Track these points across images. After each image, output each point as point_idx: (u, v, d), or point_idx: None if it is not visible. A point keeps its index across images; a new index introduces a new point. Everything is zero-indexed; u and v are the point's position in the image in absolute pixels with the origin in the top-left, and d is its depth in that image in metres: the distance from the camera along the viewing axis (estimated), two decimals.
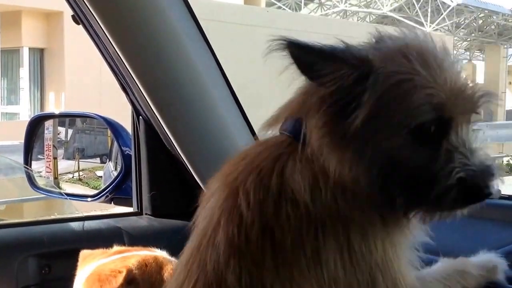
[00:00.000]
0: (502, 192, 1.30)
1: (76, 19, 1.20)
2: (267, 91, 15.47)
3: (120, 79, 1.30)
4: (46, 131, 1.64)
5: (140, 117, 1.36)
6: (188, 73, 1.26)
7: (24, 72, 12.91)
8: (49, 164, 1.65)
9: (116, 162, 1.55)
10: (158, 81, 1.25)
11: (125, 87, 1.31)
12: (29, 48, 12.79)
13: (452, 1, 22.22)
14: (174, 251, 1.39)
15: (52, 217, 1.34)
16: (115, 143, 1.49)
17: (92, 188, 1.60)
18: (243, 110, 1.39)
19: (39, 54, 12.99)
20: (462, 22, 24.36)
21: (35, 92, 13.22)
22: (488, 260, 0.98)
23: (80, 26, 1.27)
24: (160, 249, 1.37)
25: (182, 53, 1.24)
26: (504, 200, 1.29)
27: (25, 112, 12.94)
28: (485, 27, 25.81)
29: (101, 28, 1.15)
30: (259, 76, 15.25)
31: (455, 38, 25.26)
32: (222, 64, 1.34)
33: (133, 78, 1.24)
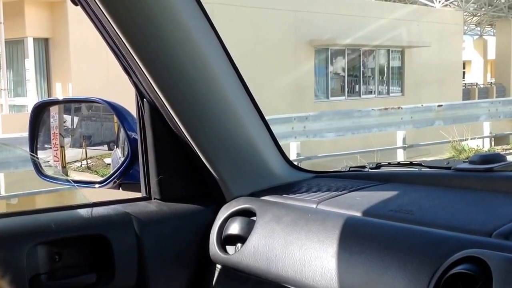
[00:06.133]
0: None
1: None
2: (270, 72, 15.39)
3: (122, 61, 1.28)
4: (52, 119, 1.63)
5: (145, 99, 1.34)
6: (191, 53, 1.24)
7: (29, 63, 12.93)
8: (57, 153, 1.64)
9: (124, 148, 1.53)
10: (161, 62, 1.23)
11: (128, 69, 1.29)
12: (34, 38, 12.79)
13: None
14: (184, 235, 1.38)
15: (60, 204, 1.32)
16: (121, 128, 1.47)
17: (101, 175, 1.59)
18: (249, 90, 1.38)
19: (44, 44, 12.99)
20: None
21: (41, 83, 13.25)
22: None
23: (84, 14, 1.24)
24: (170, 233, 1.37)
25: (185, 33, 1.22)
26: None
27: (32, 104, 12.98)
28: (495, 1, 25.51)
29: (100, 8, 1.13)
30: (264, 60, 15.15)
31: (465, 13, 25.00)
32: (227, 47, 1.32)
33: (135, 60, 1.22)
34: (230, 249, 1.33)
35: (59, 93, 12.78)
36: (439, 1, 23.46)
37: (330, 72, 18.44)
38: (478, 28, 32.11)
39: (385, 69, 20.01)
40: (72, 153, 1.65)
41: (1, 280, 1.15)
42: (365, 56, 19.58)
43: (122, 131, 1.48)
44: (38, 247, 1.21)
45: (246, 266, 1.25)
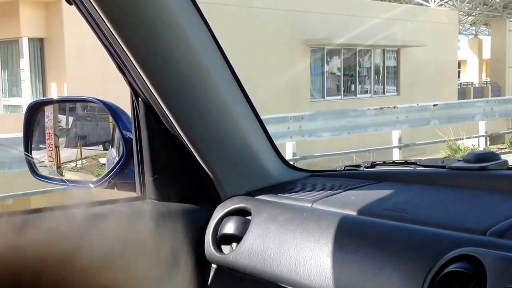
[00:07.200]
0: (510, 164, 1.29)
1: None
2: (265, 73, 15.39)
3: (116, 60, 1.28)
4: (46, 119, 1.63)
5: (139, 98, 1.34)
6: (186, 52, 1.24)
7: (24, 63, 12.90)
8: (51, 153, 1.64)
9: (119, 148, 1.53)
10: (156, 61, 1.23)
11: (122, 68, 1.29)
12: (29, 38, 12.76)
13: None
14: (180, 235, 1.38)
15: (54, 204, 1.32)
16: (116, 128, 1.47)
17: (96, 176, 1.59)
18: (244, 90, 1.38)
19: (38, 44, 12.96)
20: None
21: (36, 84, 13.22)
22: None
23: (79, 14, 1.24)
24: (166, 233, 1.36)
25: (180, 33, 1.22)
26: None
27: (27, 104, 12.93)
28: (490, 0, 25.56)
29: (94, 7, 1.13)
30: (259, 60, 15.16)
31: (460, 13, 25.04)
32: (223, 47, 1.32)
33: (130, 59, 1.22)
34: (225, 248, 1.33)
35: (54, 93, 12.74)
36: (434, 1, 23.52)
37: (326, 71, 18.46)
38: (473, 28, 32.19)
39: (381, 68, 20.05)
40: (67, 153, 1.65)
41: None
42: (361, 55, 19.61)
43: (117, 130, 1.48)
44: None
45: (242, 266, 1.25)
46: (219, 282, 1.34)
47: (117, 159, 1.51)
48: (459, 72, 27.09)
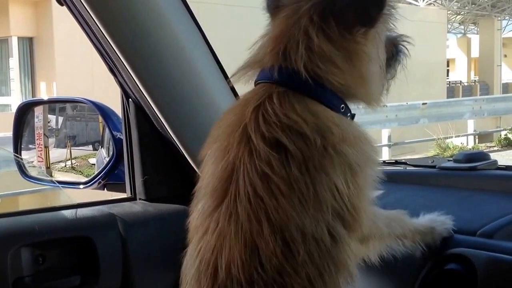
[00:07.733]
0: (499, 164, 1.30)
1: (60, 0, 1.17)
2: None
3: (107, 61, 1.27)
4: (36, 120, 1.62)
5: (130, 99, 1.33)
6: (177, 53, 1.23)
7: (13, 62, 12.81)
8: (41, 154, 1.63)
9: (109, 148, 1.53)
10: (146, 62, 1.22)
11: (113, 69, 1.29)
12: (18, 37, 12.68)
13: None
14: (170, 236, 1.38)
15: (43, 206, 1.31)
16: (106, 128, 1.47)
17: (86, 176, 1.58)
18: (234, 89, 1.37)
19: (28, 43, 12.89)
20: None
21: (26, 83, 13.14)
22: (429, 222, 1.01)
23: (69, 13, 1.24)
24: (156, 234, 1.36)
25: (170, 33, 1.22)
26: (501, 171, 1.28)
27: (16, 103, 12.85)
28: None
29: (86, 9, 1.13)
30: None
31: (449, 12, 25.14)
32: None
33: (121, 59, 1.21)
34: None
35: (43, 92, 12.67)
36: (423, 0, 23.63)
37: None
38: (462, 27, 32.35)
39: None
40: (56, 154, 1.64)
41: None
42: None
43: (107, 131, 1.48)
44: (21, 250, 1.20)
45: None
46: None
47: (107, 159, 1.51)
48: (447, 70, 27.19)
